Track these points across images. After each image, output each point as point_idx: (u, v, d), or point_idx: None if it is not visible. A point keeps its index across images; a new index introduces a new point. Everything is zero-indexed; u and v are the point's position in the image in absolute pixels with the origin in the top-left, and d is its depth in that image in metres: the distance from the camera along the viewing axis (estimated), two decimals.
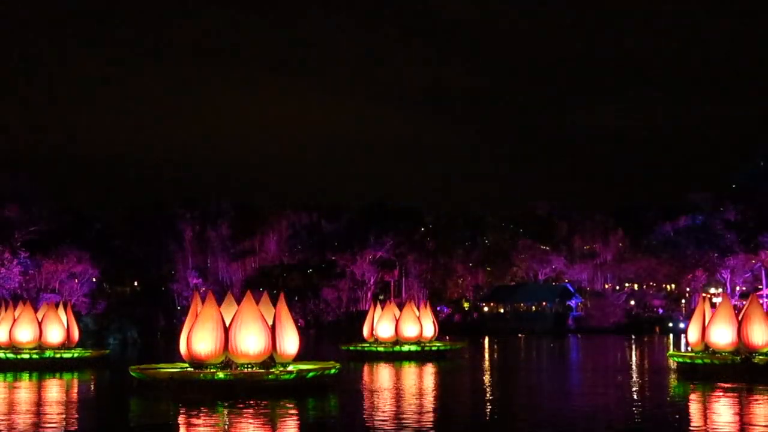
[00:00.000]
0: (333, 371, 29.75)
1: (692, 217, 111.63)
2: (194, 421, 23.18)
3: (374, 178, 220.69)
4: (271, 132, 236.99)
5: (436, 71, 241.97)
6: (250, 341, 27.55)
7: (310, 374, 28.44)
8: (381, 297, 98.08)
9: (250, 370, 27.81)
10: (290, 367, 28.53)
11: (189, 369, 28.65)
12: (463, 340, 72.57)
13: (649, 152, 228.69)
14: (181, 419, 23.82)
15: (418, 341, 49.52)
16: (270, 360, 28.10)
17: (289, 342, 28.36)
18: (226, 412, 24.32)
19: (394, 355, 47.82)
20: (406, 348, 48.69)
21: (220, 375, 27.44)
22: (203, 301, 28.81)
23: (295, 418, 24.02)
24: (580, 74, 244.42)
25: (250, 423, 22.39)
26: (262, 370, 27.80)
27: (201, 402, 25.63)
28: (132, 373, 29.16)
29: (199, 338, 27.81)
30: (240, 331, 27.57)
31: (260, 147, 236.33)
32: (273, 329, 27.98)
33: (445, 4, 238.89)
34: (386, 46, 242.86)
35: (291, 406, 25.47)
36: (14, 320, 42.58)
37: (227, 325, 27.74)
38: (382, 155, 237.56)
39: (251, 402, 25.49)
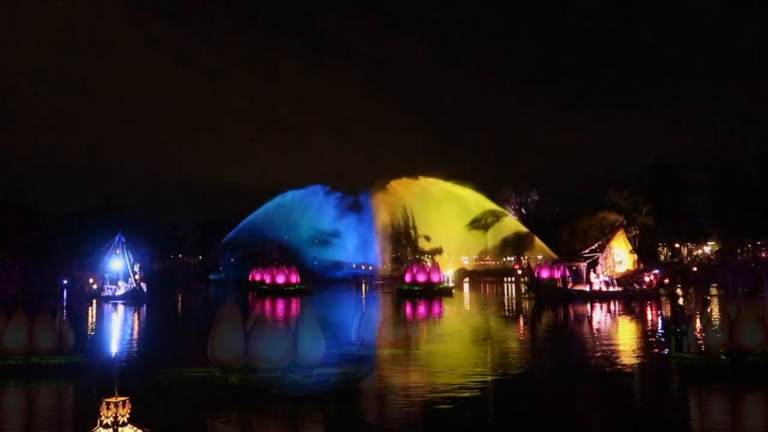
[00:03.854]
0: (359, 376, 28.81)
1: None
2: (207, 427, 23.23)
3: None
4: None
5: (438, 72, 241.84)
6: (270, 345, 27.31)
7: (332, 379, 27.88)
8: None
9: (267, 374, 27.43)
10: (316, 371, 27.96)
11: (216, 373, 28.23)
12: None
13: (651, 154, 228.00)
14: (193, 425, 23.88)
15: None
16: (292, 364, 27.66)
17: (313, 346, 27.92)
18: (238, 416, 24.30)
19: None
20: None
21: (234, 379, 27.21)
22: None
23: (312, 424, 23.82)
24: (583, 78, 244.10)
25: (264, 429, 22.16)
26: (278, 375, 27.40)
27: (216, 407, 25.49)
28: (159, 378, 28.88)
29: (220, 342, 27.61)
30: (259, 334, 27.41)
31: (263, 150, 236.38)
32: (295, 333, 27.68)
33: (447, 4, 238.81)
34: (388, 47, 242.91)
35: (308, 411, 25.12)
36: (5, 326, 42.43)
37: (248, 329, 27.52)
38: (385, 156, 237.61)
39: (267, 407, 25.24)
